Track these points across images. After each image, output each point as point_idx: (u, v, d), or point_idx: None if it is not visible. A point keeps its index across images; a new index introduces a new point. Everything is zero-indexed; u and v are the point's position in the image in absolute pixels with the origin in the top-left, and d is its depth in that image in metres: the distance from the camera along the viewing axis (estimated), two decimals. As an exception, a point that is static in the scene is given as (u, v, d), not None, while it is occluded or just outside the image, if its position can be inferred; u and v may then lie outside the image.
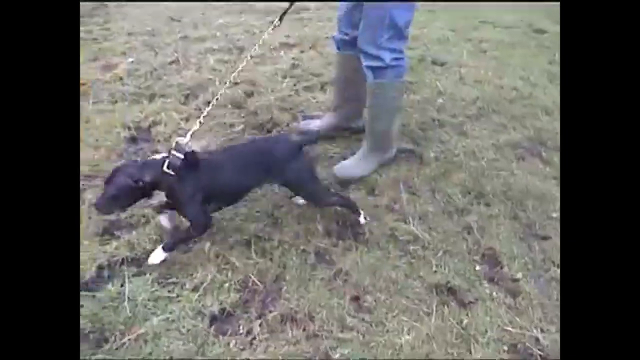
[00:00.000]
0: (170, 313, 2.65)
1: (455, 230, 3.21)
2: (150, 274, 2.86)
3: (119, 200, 2.72)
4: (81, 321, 2.61)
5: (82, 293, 2.78)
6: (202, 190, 2.86)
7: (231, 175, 2.94)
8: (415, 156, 3.79)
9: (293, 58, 5.23)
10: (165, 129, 4.04)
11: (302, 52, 5.38)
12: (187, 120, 4.18)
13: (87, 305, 2.70)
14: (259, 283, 2.81)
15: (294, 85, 4.73)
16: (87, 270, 2.90)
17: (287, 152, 2.97)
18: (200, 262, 2.93)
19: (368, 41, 3.21)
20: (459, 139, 4.07)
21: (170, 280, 2.83)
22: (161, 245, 2.94)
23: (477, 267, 2.98)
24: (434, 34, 6.01)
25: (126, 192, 2.70)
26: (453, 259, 3.01)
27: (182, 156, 2.76)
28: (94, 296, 2.76)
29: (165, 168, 2.74)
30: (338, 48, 3.68)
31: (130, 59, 5.23)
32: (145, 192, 2.77)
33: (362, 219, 3.22)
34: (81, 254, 2.99)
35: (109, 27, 6.21)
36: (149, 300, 2.71)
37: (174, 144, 2.82)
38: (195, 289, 2.77)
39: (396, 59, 3.22)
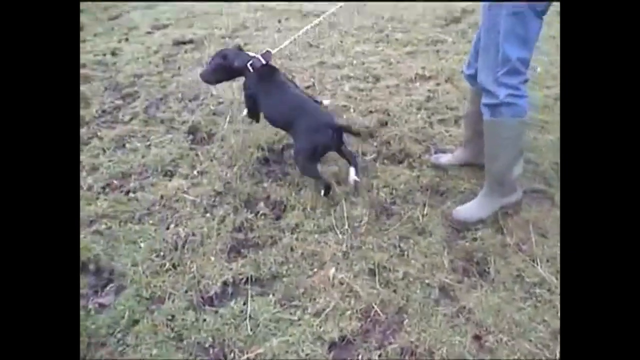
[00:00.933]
0: (291, 336, 2.68)
1: (585, 276, 3.12)
2: (273, 295, 2.92)
3: (214, 74, 4.03)
4: (202, 335, 2.70)
5: (205, 308, 2.87)
6: (255, 95, 3.96)
7: (272, 105, 3.87)
8: (546, 197, 3.70)
9: (428, 90, 5.19)
10: (297, 153, 4.11)
11: (437, 84, 5.34)
12: (319, 144, 4.23)
13: (210, 320, 2.79)
14: (381, 313, 2.81)
15: (428, 117, 4.69)
16: (212, 285, 2.99)
17: (312, 126, 3.60)
18: (324, 287, 2.95)
19: (485, 76, 3.16)
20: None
21: (292, 303, 2.87)
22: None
23: (606, 317, 2.88)
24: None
25: (219, 69, 3.99)
26: (581, 305, 2.93)
27: (264, 62, 3.85)
28: (216, 312, 2.84)
29: (248, 64, 3.83)
30: (470, 83, 3.63)
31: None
32: (233, 74, 4.03)
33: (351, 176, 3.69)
34: (208, 269, 3.09)
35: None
36: (270, 321, 2.76)
37: (265, 50, 3.91)
38: (317, 314, 2.79)
39: (512, 95, 3.10)
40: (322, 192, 3.64)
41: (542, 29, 3.05)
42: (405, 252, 3.22)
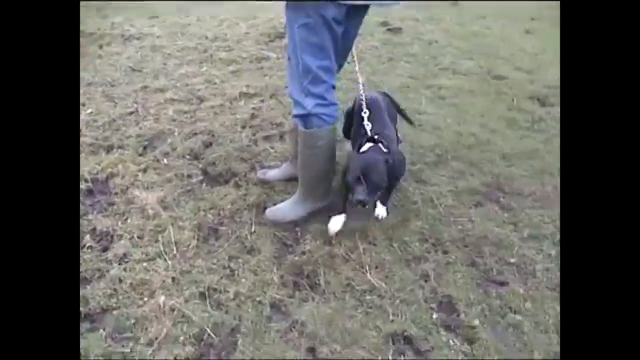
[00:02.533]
0: (124, 369, 2.61)
1: (412, 279, 3.20)
2: (104, 329, 2.82)
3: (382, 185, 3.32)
4: (32, 379, 2.59)
5: (34, 350, 2.75)
6: None
7: None
8: (372, 205, 3.78)
9: (253, 108, 5.22)
10: (122, 180, 4.01)
11: (262, 101, 5.38)
12: (144, 171, 4.15)
13: (38, 363, 2.67)
14: (214, 336, 2.79)
15: (253, 135, 4.72)
16: (40, 326, 2.87)
17: None
18: (155, 316, 2.89)
19: (294, 88, 3.27)
20: (417, 186, 4.07)
21: (124, 335, 2.80)
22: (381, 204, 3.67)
23: (434, 315, 2.97)
24: (394, 82, 6.03)
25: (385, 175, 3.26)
26: (410, 307, 3.01)
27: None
28: (45, 353, 2.73)
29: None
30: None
31: (89, 110, 5.20)
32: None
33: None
34: (34, 309, 2.96)
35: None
36: (102, 356, 2.68)
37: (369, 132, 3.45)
38: (149, 344, 2.74)
39: (319, 105, 3.22)
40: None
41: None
42: (235, 272, 3.21)
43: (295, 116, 3.32)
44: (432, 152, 4.58)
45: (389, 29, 7.53)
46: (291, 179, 3.94)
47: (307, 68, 3.09)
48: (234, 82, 5.90)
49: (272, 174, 4.05)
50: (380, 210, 3.68)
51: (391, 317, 2.94)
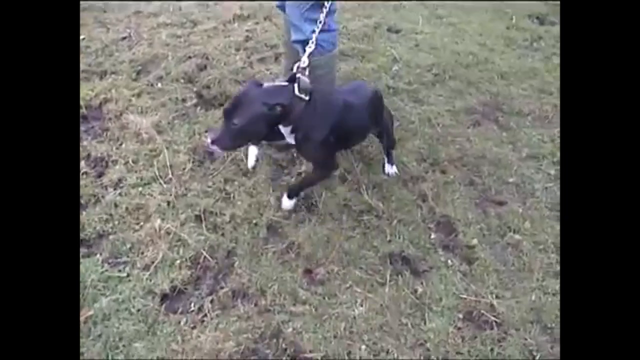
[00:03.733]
0: (120, 293, 2.62)
1: (410, 199, 3.20)
2: (100, 254, 2.82)
3: (247, 134, 2.57)
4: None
5: (29, 276, 2.74)
6: (333, 126, 2.72)
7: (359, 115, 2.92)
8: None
9: (247, 30, 5.14)
10: (116, 106, 3.95)
11: (256, 23, 5.29)
12: (138, 95, 4.08)
13: (34, 289, 2.66)
14: (210, 259, 2.80)
15: (248, 57, 4.65)
16: (35, 252, 2.86)
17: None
18: (151, 239, 2.88)
19: (292, 11, 3.17)
20: (414, 106, 4.04)
21: (120, 260, 2.80)
22: (286, 193, 3.01)
23: (432, 235, 2.98)
24: (390, 2, 5.96)
25: (258, 122, 2.51)
26: (407, 227, 3.01)
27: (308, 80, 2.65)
28: (42, 280, 2.72)
29: (297, 91, 2.60)
30: (282, 10, 3.59)
31: (82, 37, 5.11)
32: (276, 122, 2.59)
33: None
34: (29, 235, 2.95)
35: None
36: (98, 281, 2.67)
37: (295, 68, 2.73)
38: (146, 268, 2.74)
39: (318, 30, 3.15)
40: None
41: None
42: (231, 195, 3.19)
43: (295, 41, 3.25)
44: (429, 72, 4.54)
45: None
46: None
47: None
48: (228, 4, 5.79)
49: (266, 86, 3.99)
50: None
51: (389, 238, 2.94)
